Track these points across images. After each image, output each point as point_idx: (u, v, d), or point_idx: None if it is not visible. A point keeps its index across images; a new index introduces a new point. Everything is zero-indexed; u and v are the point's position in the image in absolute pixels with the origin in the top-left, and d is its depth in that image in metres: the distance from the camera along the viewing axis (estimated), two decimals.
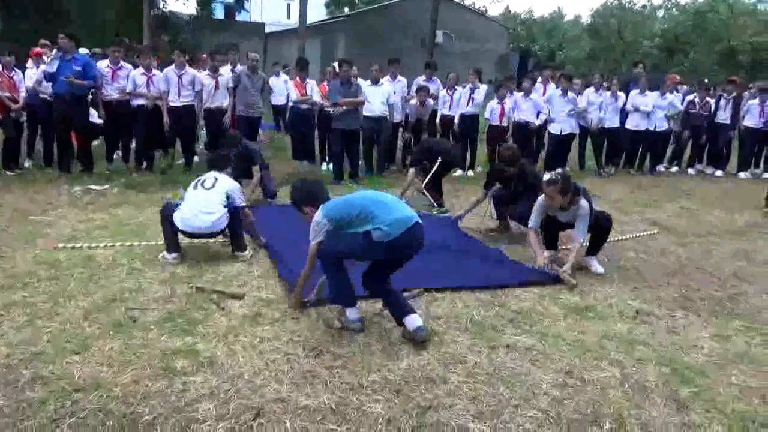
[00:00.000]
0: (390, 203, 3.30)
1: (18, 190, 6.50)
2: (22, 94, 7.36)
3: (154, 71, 7.85)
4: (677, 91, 10.23)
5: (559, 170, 4.62)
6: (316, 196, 3.40)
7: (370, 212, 3.19)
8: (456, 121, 8.74)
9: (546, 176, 4.43)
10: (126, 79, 7.73)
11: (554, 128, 8.70)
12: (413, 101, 8.72)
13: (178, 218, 4.33)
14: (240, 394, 2.63)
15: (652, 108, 9.31)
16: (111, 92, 7.72)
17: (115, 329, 3.20)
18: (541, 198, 4.57)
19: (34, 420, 2.38)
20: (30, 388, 2.61)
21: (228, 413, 2.48)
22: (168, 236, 4.38)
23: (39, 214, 5.60)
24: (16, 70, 7.42)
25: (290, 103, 8.90)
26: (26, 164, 7.83)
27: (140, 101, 7.73)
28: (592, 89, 9.27)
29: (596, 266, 4.58)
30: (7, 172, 7.29)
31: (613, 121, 9.29)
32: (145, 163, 8.03)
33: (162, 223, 4.44)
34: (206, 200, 4.36)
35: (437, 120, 9.04)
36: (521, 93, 8.82)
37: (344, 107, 7.59)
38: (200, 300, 3.65)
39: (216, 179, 4.49)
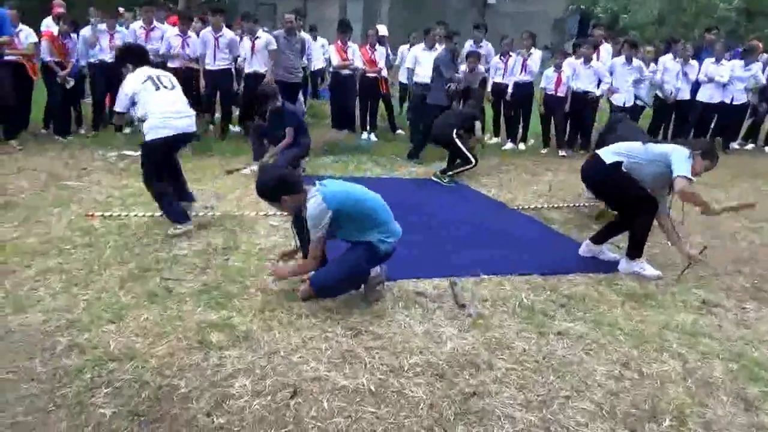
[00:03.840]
0: (388, 210, 3.35)
1: (52, 155, 6.73)
2: (72, 61, 7.56)
3: (190, 33, 7.94)
4: (758, 60, 9.74)
5: None
6: (292, 181, 3.28)
7: (379, 216, 3.27)
8: (509, 89, 8.57)
9: None
10: (159, 41, 7.87)
11: (617, 99, 8.41)
12: (462, 67, 8.57)
13: (162, 123, 4.20)
14: (276, 371, 2.69)
15: (730, 79, 8.90)
16: None
17: (150, 299, 3.31)
18: None
19: (70, 388, 2.49)
20: (66, 355, 2.72)
21: (264, 390, 2.54)
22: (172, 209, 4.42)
23: (73, 179, 5.79)
24: (71, 36, 7.61)
25: (330, 69, 8.91)
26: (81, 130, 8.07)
27: (175, 63, 7.84)
28: (669, 56, 8.90)
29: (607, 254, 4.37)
30: (59, 138, 7.53)
31: (683, 92, 8.94)
32: None
33: (159, 199, 4.44)
34: (182, 100, 4.39)
35: (488, 88, 8.89)
36: (580, 60, 8.52)
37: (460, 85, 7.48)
38: (235, 272, 3.73)
39: (169, 77, 4.44)
